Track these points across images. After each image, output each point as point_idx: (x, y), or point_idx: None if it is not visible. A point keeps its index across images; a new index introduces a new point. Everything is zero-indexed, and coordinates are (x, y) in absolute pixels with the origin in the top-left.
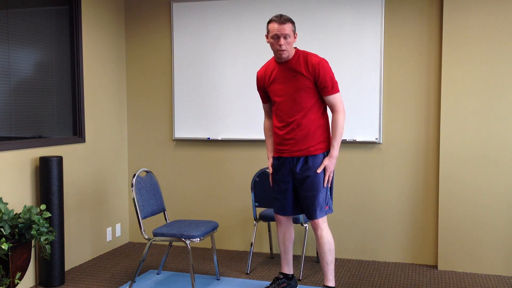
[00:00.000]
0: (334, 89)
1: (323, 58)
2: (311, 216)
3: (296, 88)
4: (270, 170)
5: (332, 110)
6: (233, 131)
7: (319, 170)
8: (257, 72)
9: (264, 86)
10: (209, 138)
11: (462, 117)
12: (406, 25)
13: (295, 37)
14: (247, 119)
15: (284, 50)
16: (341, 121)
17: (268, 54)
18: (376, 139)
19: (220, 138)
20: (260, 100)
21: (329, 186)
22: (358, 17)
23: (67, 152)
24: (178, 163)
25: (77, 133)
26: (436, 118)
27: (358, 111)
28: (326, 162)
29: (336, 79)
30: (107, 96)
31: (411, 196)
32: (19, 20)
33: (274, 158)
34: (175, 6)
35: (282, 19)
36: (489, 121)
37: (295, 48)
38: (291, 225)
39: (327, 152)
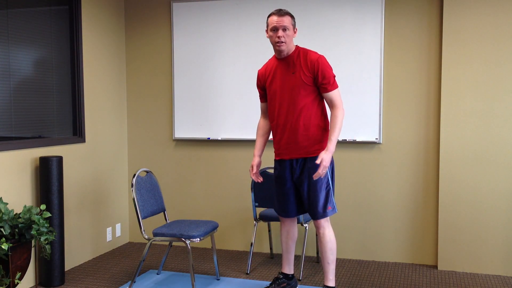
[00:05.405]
0: (333, 85)
1: (322, 55)
2: (314, 216)
3: (294, 85)
4: (254, 170)
5: (331, 106)
6: (233, 131)
7: (317, 161)
8: (258, 70)
9: (264, 85)
10: (209, 138)
11: (462, 117)
12: (406, 25)
13: (295, 32)
14: (247, 119)
15: (283, 42)
16: (340, 116)
17: (268, 54)
18: (376, 139)
19: (220, 138)
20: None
21: (330, 187)
22: (358, 17)
23: (67, 152)
24: (178, 163)
25: (77, 133)
26: (436, 118)
27: (358, 111)
28: (323, 154)
29: (334, 74)
30: (107, 96)
31: (411, 196)
32: (19, 20)
33: (275, 161)
34: (175, 6)
35: (281, 12)
36: (489, 121)
37: (296, 45)
38: (295, 224)
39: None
